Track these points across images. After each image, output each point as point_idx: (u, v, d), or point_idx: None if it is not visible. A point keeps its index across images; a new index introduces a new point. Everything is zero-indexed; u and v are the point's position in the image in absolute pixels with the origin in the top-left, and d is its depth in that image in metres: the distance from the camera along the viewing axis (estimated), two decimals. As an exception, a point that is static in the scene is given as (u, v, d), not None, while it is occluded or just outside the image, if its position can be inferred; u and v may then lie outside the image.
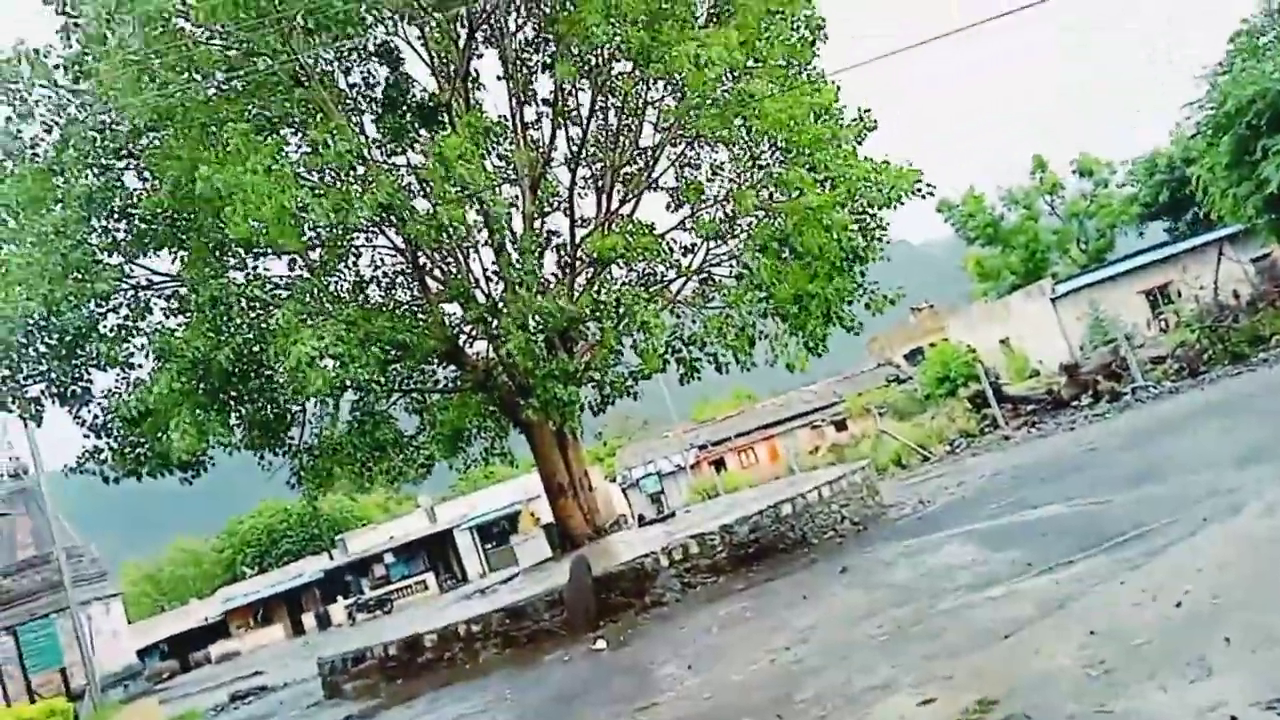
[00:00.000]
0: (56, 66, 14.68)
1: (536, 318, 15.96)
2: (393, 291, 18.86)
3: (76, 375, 14.67)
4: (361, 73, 18.43)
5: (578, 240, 19.16)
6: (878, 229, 17.71)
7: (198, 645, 52.70)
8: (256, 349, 14.33)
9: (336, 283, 17.92)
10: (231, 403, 15.19)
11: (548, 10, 17.99)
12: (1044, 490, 11.77)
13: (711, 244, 19.00)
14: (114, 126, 14.54)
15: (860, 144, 17.56)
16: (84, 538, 42.02)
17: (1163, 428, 14.58)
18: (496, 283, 18.30)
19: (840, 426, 46.96)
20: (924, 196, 17.09)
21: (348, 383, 13.82)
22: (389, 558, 49.79)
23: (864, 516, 14.50)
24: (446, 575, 49.32)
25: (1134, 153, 44.71)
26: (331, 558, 52.81)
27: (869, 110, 17.63)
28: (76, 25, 14.25)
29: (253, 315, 15.62)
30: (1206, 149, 24.41)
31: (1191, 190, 35.27)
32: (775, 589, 10.82)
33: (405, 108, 18.50)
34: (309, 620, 50.40)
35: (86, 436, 15.25)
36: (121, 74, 13.11)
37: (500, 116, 19.51)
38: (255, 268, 15.78)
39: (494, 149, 19.14)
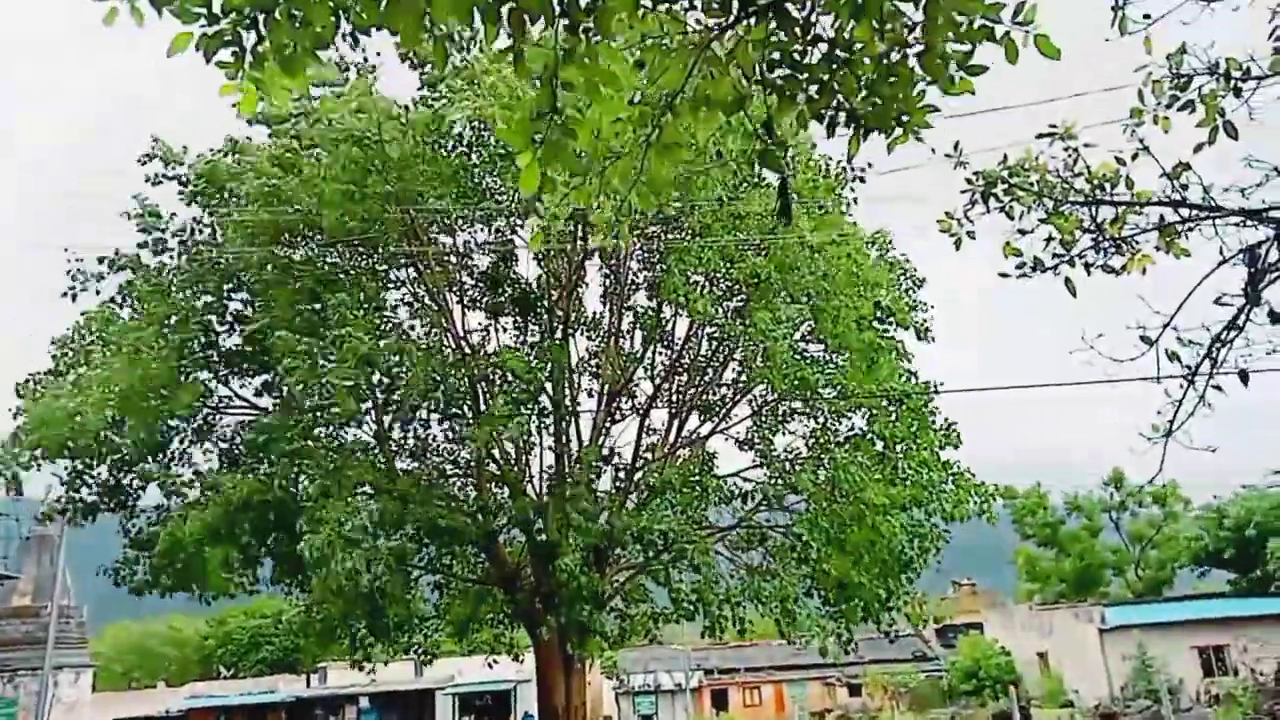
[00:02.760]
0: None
1: (574, 534, 15.73)
2: (443, 467, 18.81)
3: (130, 489, 14.86)
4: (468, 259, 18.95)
5: (638, 461, 19.08)
6: (935, 540, 17.19)
7: (151, 735, 50.93)
8: (292, 505, 14.34)
9: (388, 449, 17.76)
10: (264, 545, 15.14)
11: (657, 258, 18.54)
12: None
13: (768, 502, 18.77)
14: (229, 266, 15.21)
15: (937, 452, 17.36)
16: (80, 601, 41.61)
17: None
18: (548, 483, 18.23)
19: (854, 690, 45.04)
20: (992, 523, 16.76)
21: (376, 563, 13.59)
22: (364, 701, 47.99)
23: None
24: (416, 736, 47.29)
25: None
26: (309, 684, 51.16)
27: (956, 425, 17.50)
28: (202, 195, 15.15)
29: (293, 469, 15.64)
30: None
31: (1258, 549, 34.57)
32: None
33: (506, 294, 18.70)
34: (267, 742, 48.48)
35: (125, 548, 15.27)
36: (239, 236, 13.94)
37: (595, 312, 19.91)
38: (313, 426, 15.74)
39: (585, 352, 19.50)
